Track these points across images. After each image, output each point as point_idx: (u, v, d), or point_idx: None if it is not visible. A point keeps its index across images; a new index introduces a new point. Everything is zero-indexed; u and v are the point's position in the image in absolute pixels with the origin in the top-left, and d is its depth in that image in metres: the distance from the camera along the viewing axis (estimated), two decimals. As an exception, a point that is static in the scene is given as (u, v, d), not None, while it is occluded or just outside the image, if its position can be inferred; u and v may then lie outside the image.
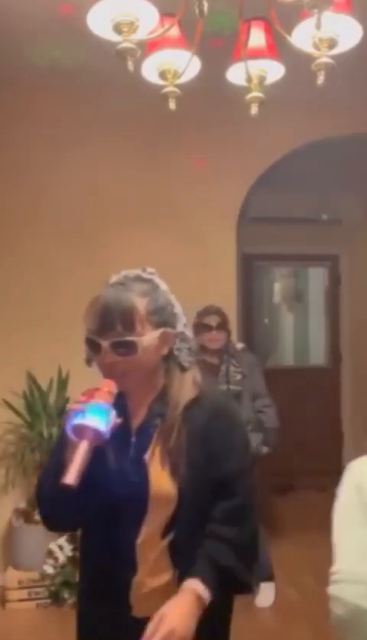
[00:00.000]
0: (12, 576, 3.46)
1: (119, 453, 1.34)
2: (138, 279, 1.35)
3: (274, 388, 5.83)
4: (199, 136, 3.93)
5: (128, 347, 1.28)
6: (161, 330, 1.33)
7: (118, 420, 1.22)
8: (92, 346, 1.31)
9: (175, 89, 1.86)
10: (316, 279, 6.40)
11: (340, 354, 6.08)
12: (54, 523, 1.47)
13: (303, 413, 5.91)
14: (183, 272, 3.75)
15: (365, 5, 1.81)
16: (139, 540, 1.34)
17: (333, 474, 6.61)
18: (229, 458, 1.37)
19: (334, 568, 1.18)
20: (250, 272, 5.91)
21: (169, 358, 1.37)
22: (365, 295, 5.89)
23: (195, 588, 1.28)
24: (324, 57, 1.67)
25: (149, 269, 1.39)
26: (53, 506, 1.38)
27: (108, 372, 1.30)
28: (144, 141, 3.88)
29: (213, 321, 3.43)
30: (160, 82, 1.87)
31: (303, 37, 1.68)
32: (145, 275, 1.37)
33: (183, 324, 1.39)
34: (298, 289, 6.48)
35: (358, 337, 5.97)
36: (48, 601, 3.39)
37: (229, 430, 1.39)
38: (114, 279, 1.36)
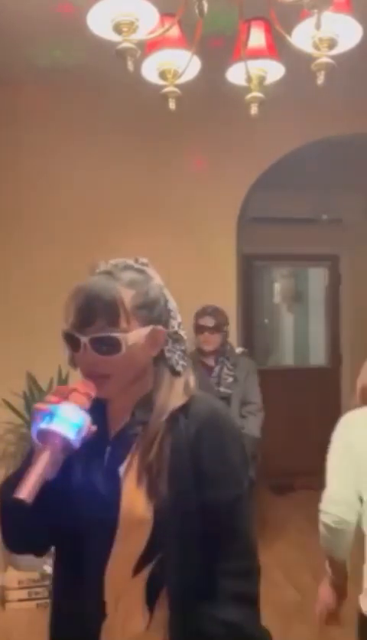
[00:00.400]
0: (12, 576, 3.46)
1: (90, 464, 1.14)
2: (128, 268, 1.18)
3: (275, 388, 5.86)
4: (199, 136, 3.93)
5: (111, 345, 1.09)
6: (151, 327, 1.14)
7: (93, 428, 1.05)
8: (71, 342, 1.12)
9: (175, 89, 1.86)
10: (316, 279, 6.40)
11: (340, 354, 6.08)
12: (15, 542, 1.21)
13: (303, 413, 5.92)
14: (183, 272, 3.75)
15: (365, 5, 1.82)
16: (107, 573, 1.12)
17: (333, 474, 6.43)
18: (223, 481, 1.15)
19: (325, 492, 1.80)
20: (250, 272, 5.91)
21: (159, 361, 1.19)
22: (365, 295, 5.90)
23: None
24: (324, 57, 1.67)
25: (141, 259, 1.22)
26: (12, 522, 1.14)
27: (88, 373, 1.11)
28: (144, 141, 3.88)
29: (208, 322, 3.44)
30: (160, 82, 1.87)
31: (303, 37, 1.68)
32: (136, 265, 1.19)
33: (178, 324, 1.22)
34: (298, 289, 6.48)
35: (358, 337, 5.97)
36: (48, 601, 3.39)
37: (223, 445, 1.17)
38: (100, 267, 1.19)
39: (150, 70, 1.88)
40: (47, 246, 3.77)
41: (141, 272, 1.18)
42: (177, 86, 1.86)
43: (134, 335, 1.11)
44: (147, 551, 1.11)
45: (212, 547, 1.14)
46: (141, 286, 1.15)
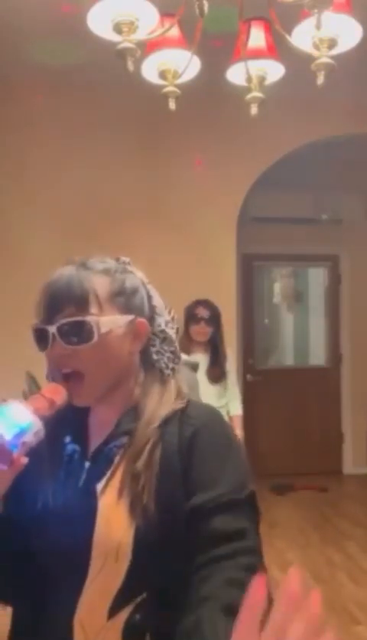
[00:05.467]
0: None
1: (65, 486, 0.96)
2: (104, 261, 1.04)
3: (275, 388, 5.87)
4: (199, 136, 3.93)
5: (81, 332, 0.94)
6: (131, 317, 0.99)
7: (41, 435, 0.89)
8: (40, 337, 0.98)
9: (175, 89, 1.86)
10: (316, 279, 6.40)
11: (340, 354, 6.08)
12: None
13: (303, 413, 5.92)
14: (183, 273, 3.76)
15: (365, 5, 1.82)
16: (77, 616, 0.91)
17: (333, 474, 6.67)
18: (215, 486, 0.91)
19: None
20: (250, 272, 5.92)
21: (147, 363, 1.04)
22: (365, 295, 5.90)
23: None
24: (324, 57, 1.67)
25: (123, 258, 1.08)
26: None
27: (57, 370, 0.96)
28: (144, 141, 3.88)
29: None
30: (160, 82, 1.88)
31: (303, 37, 1.68)
32: (116, 262, 1.06)
33: (166, 322, 1.07)
34: (298, 289, 6.47)
35: (358, 337, 5.97)
36: None
37: (220, 449, 0.97)
38: (74, 259, 1.06)
39: (150, 70, 1.88)
40: (47, 246, 3.77)
41: (119, 265, 1.06)
42: (177, 85, 1.86)
43: (109, 321, 0.96)
44: (126, 588, 0.90)
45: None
46: (117, 274, 1.01)
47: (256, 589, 0.56)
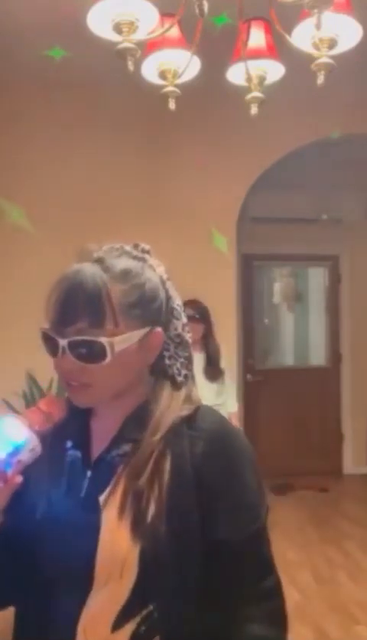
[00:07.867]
0: None
1: (66, 494, 0.92)
2: (124, 254, 0.97)
3: (275, 388, 5.87)
4: (199, 136, 3.94)
5: (93, 351, 0.89)
6: (146, 330, 0.93)
7: (38, 451, 0.88)
8: (49, 344, 0.93)
9: (175, 89, 1.86)
10: (316, 279, 6.40)
11: (340, 354, 6.08)
12: None
13: (303, 413, 5.92)
14: (183, 273, 3.75)
15: (365, 5, 1.82)
16: (81, 625, 0.88)
17: (333, 474, 6.68)
18: (240, 516, 0.92)
19: None
20: (250, 272, 5.92)
21: (158, 368, 0.98)
22: (365, 295, 5.90)
23: None
24: (324, 57, 1.68)
25: (143, 246, 1.02)
26: None
27: (65, 380, 0.93)
28: (144, 141, 3.88)
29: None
30: (160, 82, 1.88)
31: (303, 37, 1.68)
32: (135, 252, 0.99)
33: (183, 325, 1.00)
34: (298, 289, 6.48)
35: (358, 337, 5.97)
36: None
37: (239, 467, 0.94)
38: (91, 253, 0.97)
39: (150, 70, 1.88)
40: (47, 246, 3.78)
41: (140, 260, 0.98)
42: (176, 85, 1.86)
43: (123, 340, 0.90)
44: (131, 603, 0.87)
45: (222, 595, 0.92)
46: (137, 278, 0.94)
47: None
